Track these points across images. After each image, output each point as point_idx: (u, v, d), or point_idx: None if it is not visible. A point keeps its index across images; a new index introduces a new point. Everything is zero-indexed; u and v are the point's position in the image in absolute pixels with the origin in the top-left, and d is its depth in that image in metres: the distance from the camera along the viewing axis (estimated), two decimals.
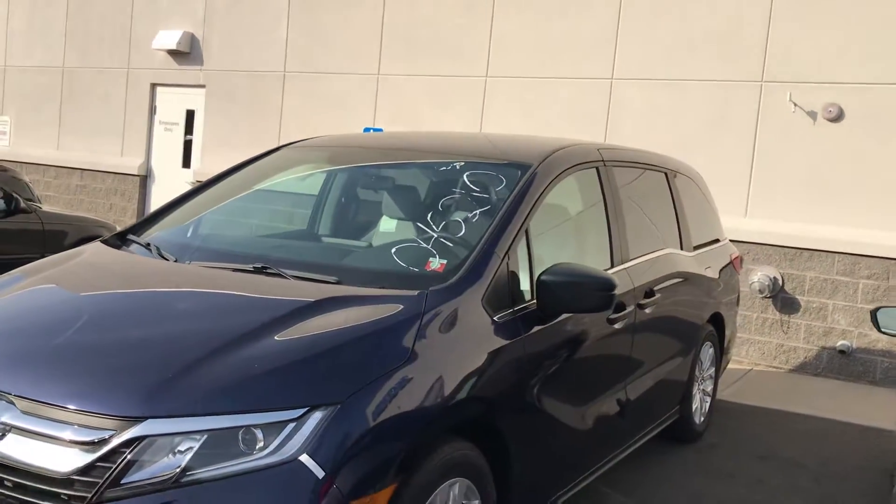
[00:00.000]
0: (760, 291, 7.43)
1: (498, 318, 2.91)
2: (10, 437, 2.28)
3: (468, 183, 3.43)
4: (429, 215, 3.30)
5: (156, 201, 11.48)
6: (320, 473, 2.18)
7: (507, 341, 2.91)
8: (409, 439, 2.41)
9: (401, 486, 2.37)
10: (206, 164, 10.86)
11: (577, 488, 3.57)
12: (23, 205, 7.16)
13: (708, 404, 5.30)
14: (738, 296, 5.92)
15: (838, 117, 7.21)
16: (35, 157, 12.68)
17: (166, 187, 11.41)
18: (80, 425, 2.21)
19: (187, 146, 11.27)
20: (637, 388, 4.00)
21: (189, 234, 3.62)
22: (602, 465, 3.78)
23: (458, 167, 3.56)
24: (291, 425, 2.22)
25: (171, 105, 11.43)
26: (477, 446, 2.75)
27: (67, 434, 2.22)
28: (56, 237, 7.39)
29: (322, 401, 2.27)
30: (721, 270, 5.34)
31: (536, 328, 3.08)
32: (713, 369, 5.34)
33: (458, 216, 3.26)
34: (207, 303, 2.81)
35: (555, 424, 3.22)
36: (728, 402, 6.17)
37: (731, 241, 6.90)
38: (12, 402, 2.31)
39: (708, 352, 5.19)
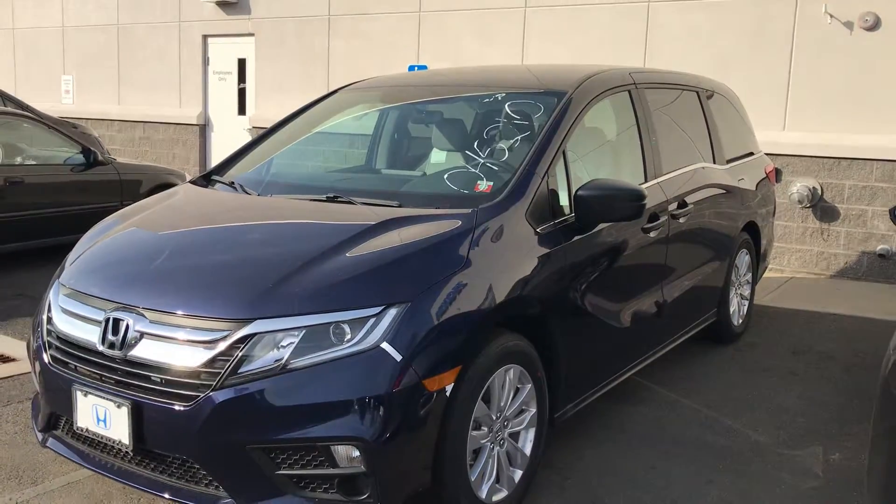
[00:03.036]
0: (800, 202, 7.68)
1: (541, 230, 3.33)
2: (144, 342, 2.79)
3: (510, 112, 3.82)
4: (475, 143, 3.70)
5: (216, 148, 12.05)
6: (398, 357, 2.66)
7: (550, 249, 3.33)
8: (468, 330, 2.87)
9: (464, 369, 2.84)
10: (261, 111, 11.35)
11: (619, 380, 4.02)
12: (101, 157, 7.75)
13: (746, 307, 5.68)
14: (774, 206, 6.22)
15: (874, 26, 7.31)
16: (98, 113, 13.31)
17: (224, 135, 11.95)
18: (201, 329, 2.72)
19: (241, 94, 11.75)
20: (673, 291, 4.40)
21: (265, 173, 4.09)
22: (642, 361, 4.22)
23: (499, 98, 3.94)
24: (372, 320, 2.70)
25: (223, 55, 11.89)
26: (529, 340, 3.21)
27: (191, 336, 2.72)
28: (131, 186, 7.99)
29: (396, 300, 2.74)
30: (755, 182, 5.64)
31: (576, 238, 3.50)
32: (750, 275, 5.69)
33: (502, 143, 3.66)
34: (292, 226, 3.29)
35: (595, 321, 3.66)
36: (769, 306, 6.53)
37: (770, 154, 7.15)
38: (142, 314, 2.83)
39: (744, 258, 5.54)
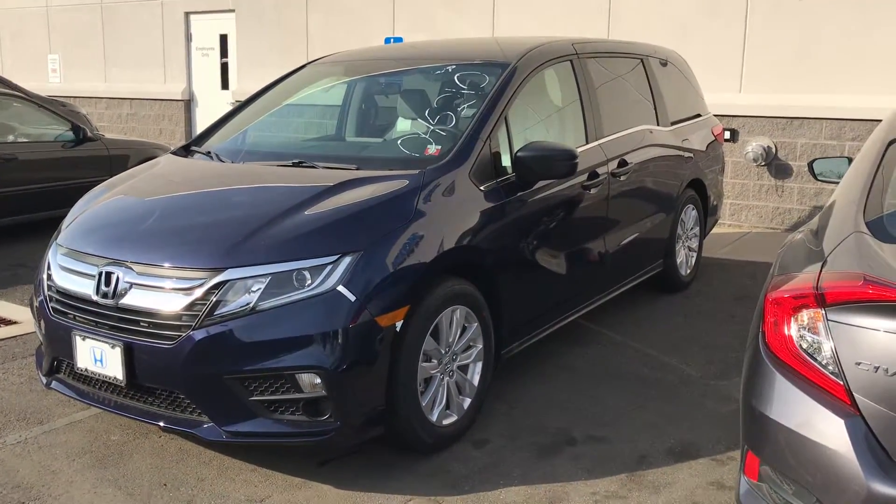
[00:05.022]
0: (755, 160, 8.11)
1: (484, 188, 3.75)
2: (133, 291, 3.22)
3: (458, 82, 4.22)
4: (427, 112, 4.12)
5: (201, 123, 12.40)
6: (353, 298, 3.09)
7: (493, 204, 3.76)
8: (415, 275, 3.30)
9: (413, 308, 3.27)
10: (243, 85, 11.67)
11: (563, 323, 4.47)
12: (90, 134, 8.12)
13: (694, 259, 6.12)
14: (723, 164, 6.64)
15: None
16: (85, 91, 13.62)
17: (209, 109, 12.29)
18: (181, 278, 3.15)
19: (224, 69, 12.08)
20: (615, 242, 4.83)
21: (240, 143, 4.50)
22: (586, 306, 4.66)
23: (450, 70, 4.34)
24: (329, 267, 3.12)
25: (206, 31, 12.20)
26: (474, 285, 3.64)
27: (173, 285, 3.15)
28: (120, 161, 8.35)
29: (350, 248, 3.16)
30: (703, 142, 6.05)
31: (518, 194, 3.92)
32: (697, 228, 6.13)
33: (451, 110, 4.07)
34: (260, 189, 3.70)
35: (537, 269, 4.09)
36: (724, 258, 6.99)
37: (727, 115, 7.57)
38: (130, 268, 3.25)
39: (690, 213, 5.97)
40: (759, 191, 8.28)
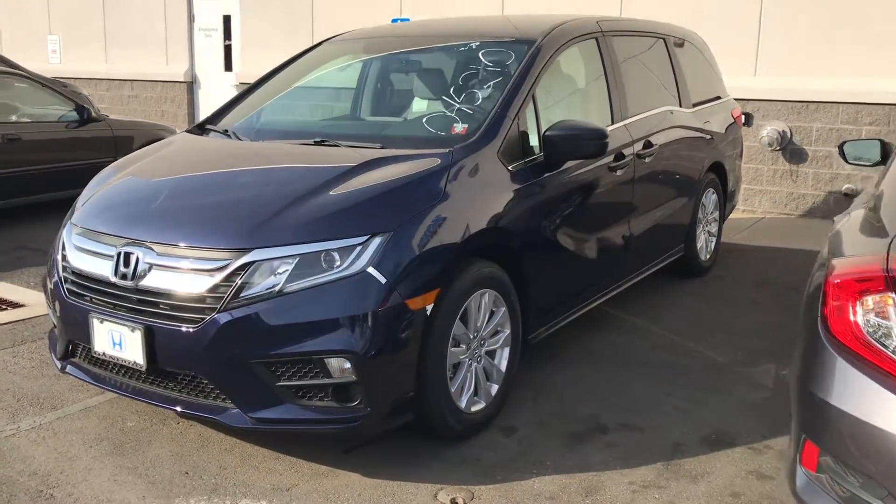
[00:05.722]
0: (770, 145, 7.99)
1: (512, 168, 3.64)
2: (153, 272, 3.10)
3: (483, 60, 4.10)
4: (452, 90, 3.99)
5: (203, 105, 12.23)
6: (383, 280, 2.98)
7: (521, 185, 3.64)
8: (445, 257, 3.19)
9: (443, 291, 3.16)
10: (247, 67, 11.51)
11: (589, 307, 4.36)
12: (94, 114, 7.97)
13: (713, 243, 6.02)
14: (742, 148, 6.53)
15: None
16: (86, 73, 13.42)
17: (212, 91, 12.12)
18: (205, 258, 3.03)
19: (227, 50, 11.90)
20: (640, 226, 4.72)
21: (256, 121, 4.37)
22: (610, 290, 4.56)
23: (474, 47, 4.21)
24: (359, 248, 3.01)
25: (208, 11, 12.01)
26: (503, 268, 3.53)
27: (196, 265, 3.03)
28: (125, 142, 8.22)
29: (380, 229, 3.05)
30: (723, 125, 5.94)
31: (546, 175, 3.80)
32: (717, 213, 6.02)
33: (477, 88, 3.95)
34: (284, 167, 3.58)
35: (564, 252, 3.98)
36: (739, 244, 6.89)
37: (741, 99, 7.43)
38: (150, 248, 3.13)
39: (711, 197, 5.86)
40: (773, 176, 8.17)
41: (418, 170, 3.35)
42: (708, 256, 5.93)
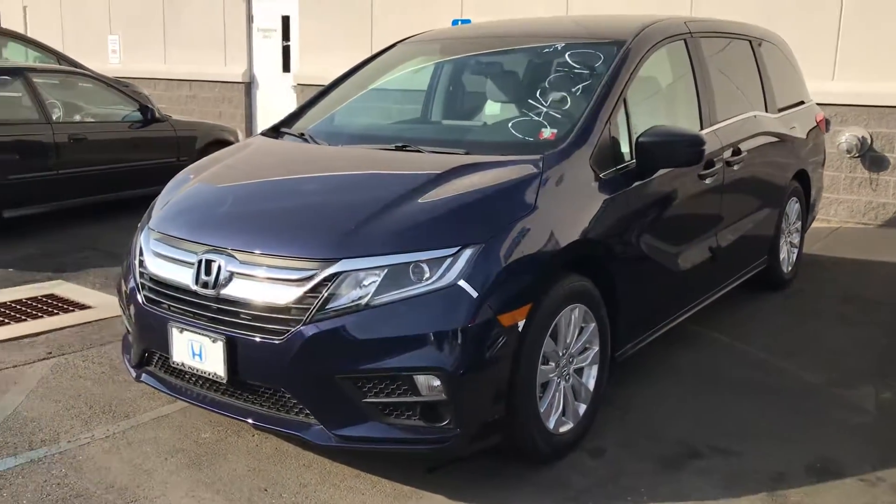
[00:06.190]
0: (848, 151, 7.67)
1: (604, 176, 3.46)
2: (236, 281, 2.99)
3: (569, 61, 3.92)
4: (538, 92, 3.82)
5: (261, 106, 12.23)
6: (474, 294, 2.82)
7: (612, 194, 3.46)
8: (538, 270, 3.03)
9: (534, 307, 3.00)
10: (305, 68, 11.47)
11: (676, 322, 4.16)
12: (157, 115, 7.96)
13: (795, 255, 5.75)
14: (825, 155, 6.24)
15: None
16: (145, 72, 13.53)
17: (269, 92, 12.12)
18: (289, 268, 2.90)
19: (286, 51, 11.88)
20: (727, 237, 4.50)
21: (332, 124, 4.24)
22: (697, 304, 4.35)
23: (559, 48, 4.04)
24: (449, 259, 2.86)
25: (268, 12, 12.00)
26: (592, 281, 3.35)
27: (280, 275, 2.91)
28: (187, 142, 8.21)
29: (471, 241, 2.89)
30: (806, 130, 5.68)
31: (636, 183, 3.61)
32: (799, 223, 5.75)
33: (564, 91, 3.77)
34: (366, 174, 3.45)
35: (654, 265, 3.79)
36: (817, 255, 6.60)
37: (818, 104, 7.13)
38: (232, 255, 3.01)
39: (794, 206, 5.60)
40: (850, 184, 7.84)
41: (509, 178, 3.19)
42: (790, 268, 5.67)
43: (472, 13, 9.98)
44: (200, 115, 12.75)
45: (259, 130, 12.80)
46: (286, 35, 11.83)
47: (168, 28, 13.25)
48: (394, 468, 3.17)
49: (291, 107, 11.63)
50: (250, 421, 3.02)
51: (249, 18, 12.19)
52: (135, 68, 13.68)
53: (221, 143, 8.48)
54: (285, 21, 11.80)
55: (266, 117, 12.18)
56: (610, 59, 3.83)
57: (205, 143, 8.36)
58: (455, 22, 10.06)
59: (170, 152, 8.03)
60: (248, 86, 12.33)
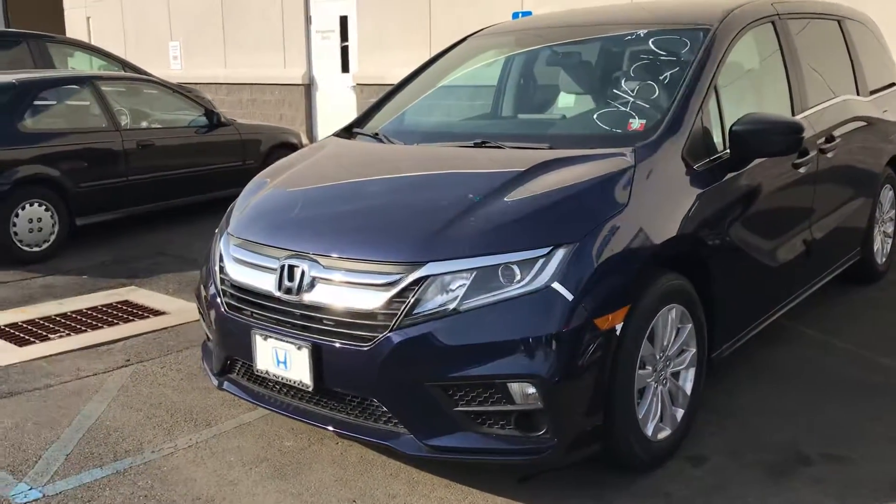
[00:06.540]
0: None
1: (697, 168, 3.27)
2: (320, 286, 2.89)
3: (654, 48, 3.74)
4: (623, 82, 3.65)
5: (321, 108, 12.24)
6: (569, 296, 2.68)
7: (706, 187, 3.27)
8: (634, 270, 2.87)
9: (631, 308, 2.84)
10: (364, 68, 11.43)
11: (771, 319, 3.94)
12: (223, 119, 7.98)
13: (889, 246, 5.46)
14: None
15: None
16: (205, 77, 13.68)
17: (329, 93, 12.12)
18: (375, 272, 2.79)
19: (344, 52, 11.86)
20: (821, 229, 4.26)
21: (407, 123, 4.13)
22: (792, 300, 4.12)
23: (641, 35, 3.86)
24: (542, 261, 2.72)
25: (325, 13, 12.00)
26: (688, 279, 3.17)
27: (366, 280, 2.80)
28: (252, 146, 8.22)
29: (564, 240, 2.75)
30: None
31: (730, 175, 3.42)
32: (893, 212, 5.45)
33: (650, 80, 3.59)
34: (447, 173, 3.32)
35: (749, 260, 3.59)
36: None
37: None
38: (315, 260, 2.92)
39: (888, 195, 5.31)
40: None
41: (600, 172, 3.03)
42: (884, 260, 5.38)
43: (532, 6, 9.80)
44: (261, 118, 12.82)
45: (319, 132, 12.82)
46: (344, 35, 11.80)
47: (227, 32, 13.35)
48: (483, 477, 3.04)
49: (351, 107, 11.62)
50: (335, 429, 2.93)
51: (307, 20, 12.20)
52: (196, 73, 13.83)
53: (286, 146, 8.48)
54: (343, 21, 11.78)
55: (326, 119, 12.19)
56: (697, 45, 3.64)
57: (269, 146, 8.36)
58: (515, 15, 9.89)
59: (235, 156, 8.05)
60: (308, 87, 12.35)
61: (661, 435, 3.10)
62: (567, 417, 2.72)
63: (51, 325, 4.91)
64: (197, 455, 3.32)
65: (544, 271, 2.71)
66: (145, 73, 10.33)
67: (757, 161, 3.55)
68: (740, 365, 3.99)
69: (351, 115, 11.49)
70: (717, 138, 3.44)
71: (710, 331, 3.34)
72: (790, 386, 3.81)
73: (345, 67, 11.85)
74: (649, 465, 3.05)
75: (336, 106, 11.95)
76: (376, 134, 3.95)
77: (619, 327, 2.78)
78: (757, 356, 4.12)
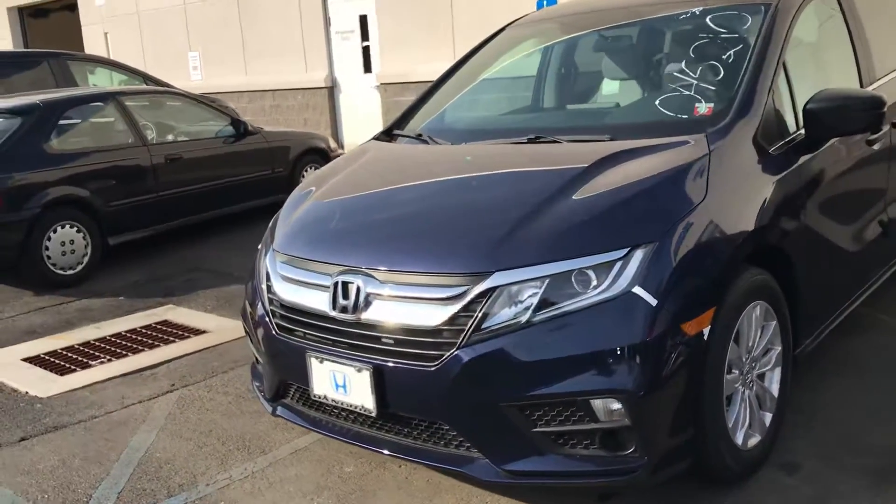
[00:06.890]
0: None
1: (772, 151, 3.03)
2: (377, 303, 2.68)
3: (713, 26, 3.49)
4: (683, 64, 3.40)
5: (345, 110, 12.06)
6: (653, 301, 2.45)
7: (783, 171, 3.03)
8: (718, 267, 2.64)
9: (717, 309, 2.61)
10: (387, 66, 11.22)
11: (852, 307, 3.69)
12: (250, 128, 7.82)
13: None
14: None
15: None
16: (226, 86, 13.54)
17: (352, 94, 11.93)
18: (437, 285, 2.58)
19: (365, 52, 11.66)
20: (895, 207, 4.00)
21: (451, 121, 3.92)
22: (871, 285, 3.86)
23: (697, 13, 3.61)
24: (619, 264, 2.49)
25: (344, 13, 11.81)
26: (770, 273, 2.93)
27: (428, 294, 2.59)
28: (281, 153, 8.05)
29: (642, 240, 2.52)
30: None
31: (805, 156, 3.18)
32: None
33: (713, 60, 3.35)
34: (503, 173, 3.10)
35: (829, 246, 3.35)
36: None
37: None
38: (371, 276, 2.71)
39: None
40: None
41: (673, 164, 2.80)
42: None
43: None
44: (286, 123, 12.67)
45: (345, 135, 12.63)
46: (364, 35, 11.60)
47: (246, 40, 13.21)
48: (560, 498, 2.83)
49: (376, 108, 11.42)
50: (403, 456, 2.73)
51: (326, 21, 12.02)
52: (216, 83, 13.71)
53: (315, 151, 8.30)
54: (363, 21, 11.58)
55: (351, 121, 12.01)
56: (759, 19, 3.39)
57: (298, 152, 8.19)
58: (540, 4, 9.65)
59: (264, 165, 7.89)
60: (331, 90, 12.17)
61: (752, 442, 2.87)
62: (657, 433, 2.50)
63: (91, 351, 4.77)
64: (254, 486, 3.13)
65: (623, 275, 2.49)
66: (167, 85, 10.21)
67: (832, 140, 3.30)
68: (817, 359, 3.74)
69: (376, 115, 11.29)
70: (790, 118, 3.20)
71: (793, 326, 3.10)
72: (877, 379, 3.56)
73: (367, 67, 11.65)
74: (741, 476, 2.83)
75: (360, 107, 11.76)
76: (419, 135, 3.73)
77: (706, 331, 2.56)
78: (833, 348, 3.86)
